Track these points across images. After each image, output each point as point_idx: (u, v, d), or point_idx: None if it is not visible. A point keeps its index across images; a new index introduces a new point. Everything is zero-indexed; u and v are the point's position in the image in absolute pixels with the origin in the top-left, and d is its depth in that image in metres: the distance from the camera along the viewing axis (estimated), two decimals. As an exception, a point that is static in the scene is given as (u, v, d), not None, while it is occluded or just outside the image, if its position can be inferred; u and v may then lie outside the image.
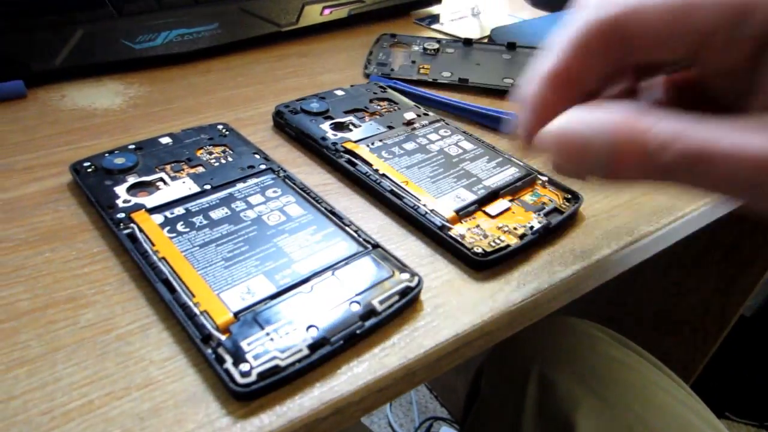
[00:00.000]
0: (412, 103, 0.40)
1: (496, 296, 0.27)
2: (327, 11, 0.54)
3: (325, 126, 0.36)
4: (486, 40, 0.56)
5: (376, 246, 0.27)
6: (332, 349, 0.23)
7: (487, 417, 0.53)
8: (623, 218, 0.32)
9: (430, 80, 0.46)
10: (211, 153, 0.33)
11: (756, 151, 0.16)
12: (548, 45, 0.21)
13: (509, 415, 0.49)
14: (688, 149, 0.17)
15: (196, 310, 0.23)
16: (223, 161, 0.32)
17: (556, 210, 0.31)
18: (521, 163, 0.34)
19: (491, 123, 0.40)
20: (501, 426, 0.50)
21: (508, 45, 0.52)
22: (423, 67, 0.48)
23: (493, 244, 0.28)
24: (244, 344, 0.22)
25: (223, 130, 0.35)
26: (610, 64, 0.20)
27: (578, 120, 0.20)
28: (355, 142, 0.35)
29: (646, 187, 0.34)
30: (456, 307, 0.26)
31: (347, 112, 0.38)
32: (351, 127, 0.37)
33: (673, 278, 0.80)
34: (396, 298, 0.25)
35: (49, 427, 0.20)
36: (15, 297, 0.25)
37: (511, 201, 0.31)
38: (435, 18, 0.62)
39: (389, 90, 0.42)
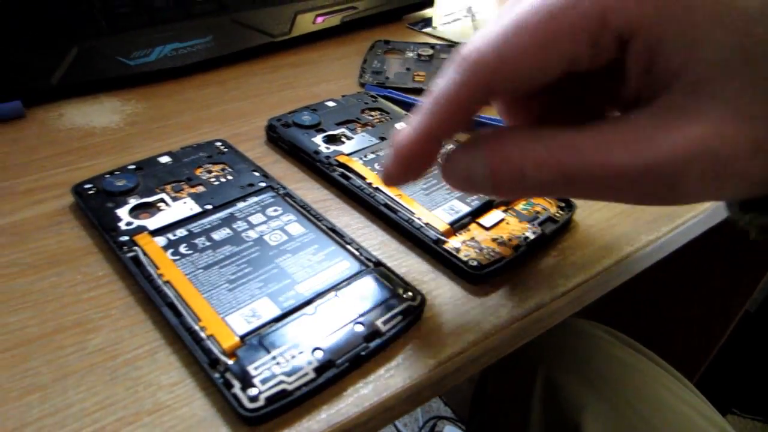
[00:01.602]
0: (404, 113, 0.41)
1: (499, 312, 0.28)
2: (320, 19, 0.55)
3: (318, 139, 0.37)
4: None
5: (378, 264, 0.28)
6: (338, 372, 0.23)
7: (494, 418, 0.53)
8: (623, 227, 0.33)
9: (425, 88, 0.46)
10: (210, 171, 0.33)
11: (617, 164, 0.18)
12: (424, 104, 0.21)
13: (516, 416, 0.49)
14: (553, 169, 0.19)
15: (203, 335, 0.24)
16: (223, 180, 0.33)
17: (550, 219, 0.32)
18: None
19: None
20: (507, 427, 0.51)
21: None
22: (418, 75, 0.48)
23: (489, 256, 0.29)
24: (251, 368, 0.23)
25: (222, 147, 0.36)
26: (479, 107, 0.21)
27: (458, 155, 0.22)
28: (348, 155, 0.35)
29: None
30: (459, 325, 0.27)
31: (339, 124, 0.38)
32: (344, 139, 0.37)
33: (676, 275, 0.81)
34: (399, 318, 0.25)
35: (63, 456, 0.20)
36: (23, 323, 0.25)
37: (504, 211, 0.32)
38: (428, 21, 0.62)
39: (380, 99, 0.42)
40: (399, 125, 0.39)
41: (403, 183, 0.24)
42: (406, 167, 0.23)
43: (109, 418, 0.22)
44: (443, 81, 0.21)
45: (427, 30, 0.60)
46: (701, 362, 0.84)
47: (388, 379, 0.24)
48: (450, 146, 0.22)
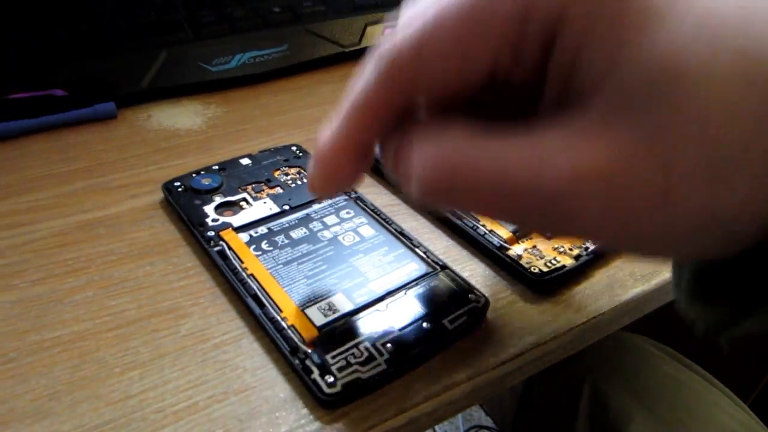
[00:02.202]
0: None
1: (559, 318, 0.29)
2: (388, 31, 0.57)
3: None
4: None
5: (444, 267, 0.30)
6: (407, 365, 0.25)
7: (539, 425, 0.54)
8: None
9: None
10: (287, 174, 0.36)
11: (511, 179, 0.16)
12: (342, 106, 0.20)
13: (561, 425, 0.49)
14: (441, 167, 0.17)
15: (284, 324, 0.26)
16: (299, 182, 0.35)
17: (611, 232, 0.33)
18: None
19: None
20: (552, 435, 0.51)
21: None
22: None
23: (550, 264, 0.30)
24: (329, 357, 0.24)
25: (297, 152, 0.38)
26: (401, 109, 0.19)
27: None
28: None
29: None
30: (519, 328, 0.28)
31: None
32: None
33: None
34: (464, 318, 0.27)
35: (161, 425, 0.23)
36: (123, 306, 0.28)
37: (568, 224, 0.33)
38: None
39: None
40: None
41: (329, 192, 0.23)
42: (328, 177, 0.21)
43: (201, 395, 0.24)
44: (359, 82, 0.19)
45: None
46: (757, 382, 0.82)
47: (453, 375, 0.26)
48: None
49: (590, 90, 0.15)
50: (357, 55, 0.54)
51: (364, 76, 0.19)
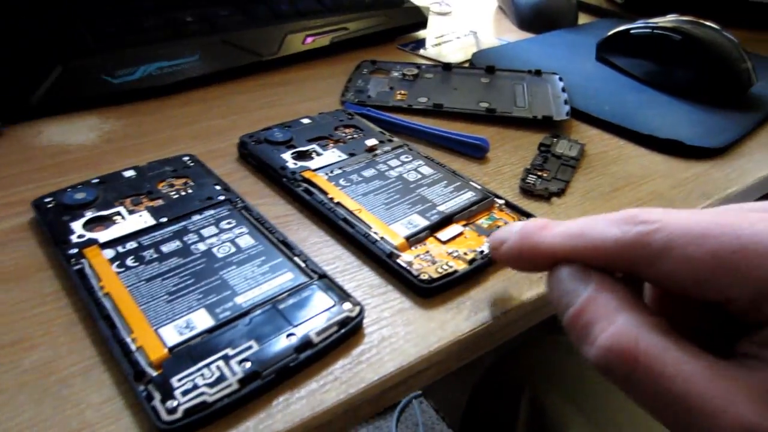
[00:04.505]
0: (378, 130, 0.41)
1: (446, 325, 0.27)
2: (309, 39, 0.55)
3: (287, 155, 0.37)
4: (467, 65, 0.56)
5: (322, 276, 0.28)
6: (263, 383, 0.23)
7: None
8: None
9: (406, 106, 0.46)
10: (172, 185, 0.34)
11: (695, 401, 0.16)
12: (575, 230, 0.22)
13: (502, 436, 0.48)
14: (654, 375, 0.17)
15: (133, 347, 0.23)
16: (183, 193, 0.33)
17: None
18: (479, 187, 0.34)
19: (458, 147, 0.40)
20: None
21: (487, 68, 0.52)
22: (400, 93, 0.48)
23: (441, 270, 0.28)
24: (174, 380, 0.22)
25: (188, 162, 0.36)
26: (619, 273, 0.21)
27: (570, 274, 0.21)
28: (314, 170, 0.35)
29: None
30: (403, 338, 0.26)
31: (311, 141, 0.38)
32: (313, 155, 0.37)
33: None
34: (335, 328, 0.25)
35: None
36: (-40, 342, 0.25)
37: (465, 225, 0.31)
38: (420, 43, 0.63)
39: (356, 117, 0.42)
40: (370, 141, 0.38)
41: (503, 263, 0.26)
42: (516, 262, 0.24)
43: (31, 437, 0.22)
44: (605, 226, 0.20)
45: (421, 52, 0.60)
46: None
47: (323, 394, 0.24)
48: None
49: None
50: (276, 64, 0.53)
51: (612, 223, 0.20)
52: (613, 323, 0.18)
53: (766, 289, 0.16)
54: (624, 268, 0.20)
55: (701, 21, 0.49)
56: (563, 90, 0.48)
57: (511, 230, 0.24)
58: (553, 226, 0.22)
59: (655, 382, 0.17)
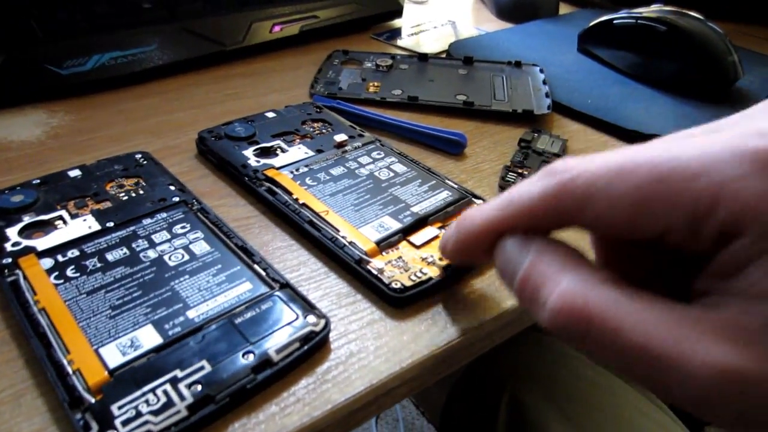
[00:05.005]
0: (348, 124, 0.38)
1: (420, 338, 0.25)
2: (277, 28, 0.52)
3: (249, 152, 0.34)
4: (444, 55, 0.54)
5: (284, 285, 0.25)
6: (216, 409, 0.20)
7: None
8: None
9: (379, 99, 0.44)
10: (122, 186, 0.31)
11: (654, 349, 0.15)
12: (500, 197, 0.21)
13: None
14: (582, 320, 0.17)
15: (69, 369, 0.21)
16: (134, 195, 0.30)
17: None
18: (456, 186, 0.32)
19: (433, 142, 0.38)
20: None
21: (465, 59, 0.50)
22: (373, 85, 0.46)
23: (414, 278, 0.26)
24: (114, 408, 0.20)
25: (141, 160, 0.33)
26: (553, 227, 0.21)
27: (511, 244, 0.21)
28: (278, 168, 0.33)
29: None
30: (373, 353, 0.24)
31: (276, 136, 0.36)
32: (278, 152, 0.34)
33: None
34: (297, 345, 0.23)
35: None
36: None
37: (440, 228, 0.29)
38: (395, 32, 0.60)
39: (326, 110, 0.40)
40: (339, 136, 0.36)
41: (455, 260, 0.25)
42: (462, 251, 0.23)
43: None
44: (528, 186, 0.20)
45: (397, 42, 0.58)
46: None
47: (283, 418, 0.21)
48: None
49: (760, 295, 0.15)
50: (241, 54, 0.50)
51: (534, 182, 0.20)
52: (559, 284, 0.18)
53: (697, 210, 0.16)
54: (558, 222, 0.20)
55: (686, 12, 0.48)
56: (544, 82, 0.46)
57: (451, 227, 0.24)
58: (484, 205, 0.22)
59: (614, 338, 0.16)
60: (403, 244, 0.28)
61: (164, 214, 0.29)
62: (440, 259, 0.27)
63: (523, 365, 0.48)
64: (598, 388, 0.45)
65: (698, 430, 1.05)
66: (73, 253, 0.26)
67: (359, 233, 0.28)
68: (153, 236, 0.27)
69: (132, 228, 0.28)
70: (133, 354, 0.22)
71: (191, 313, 0.23)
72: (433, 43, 0.58)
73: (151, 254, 0.26)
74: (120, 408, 0.20)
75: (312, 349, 0.23)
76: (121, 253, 0.26)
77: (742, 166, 0.15)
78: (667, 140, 0.18)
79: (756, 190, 0.15)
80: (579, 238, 0.22)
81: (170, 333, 0.22)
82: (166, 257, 0.26)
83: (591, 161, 0.18)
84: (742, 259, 0.15)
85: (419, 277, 0.26)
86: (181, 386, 0.21)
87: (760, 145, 0.15)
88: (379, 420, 1.12)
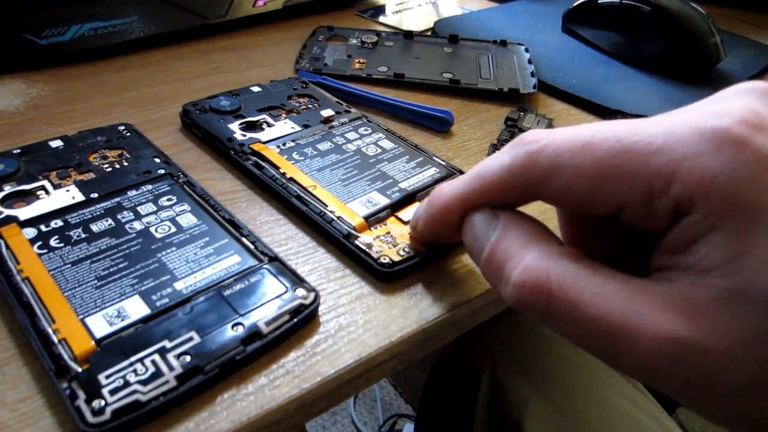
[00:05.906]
0: (335, 100, 0.38)
1: (408, 313, 0.25)
2: (260, 2, 0.51)
3: (235, 126, 0.34)
4: (429, 33, 0.54)
5: (273, 259, 0.25)
6: (205, 379, 0.20)
7: (439, 419, 0.51)
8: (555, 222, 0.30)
9: (365, 75, 0.44)
10: (105, 157, 0.30)
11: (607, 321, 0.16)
12: (468, 173, 0.22)
13: (460, 417, 0.47)
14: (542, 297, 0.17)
15: (55, 338, 0.21)
16: (118, 166, 0.30)
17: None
18: (443, 163, 0.32)
19: (420, 119, 0.38)
20: (451, 429, 0.48)
21: (450, 38, 0.50)
22: (359, 62, 0.45)
23: (402, 253, 0.26)
24: (101, 377, 0.19)
25: (124, 132, 0.33)
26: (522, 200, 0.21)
27: (478, 220, 0.21)
28: (265, 143, 0.32)
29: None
30: (362, 327, 0.24)
31: (261, 110, 0.35)
32: (264, 126, 0.34)
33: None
34: (286, 317, 0.23)
35: None
36: None
37: (428, 204, 0.29)
38: (379, 9, 0.60)
39: (312, 86, 0.39)
40: (326, 112, 0.36)
41: (427, 238, 0.25)
42: (432, 230, 0.24)
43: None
44: (496, 158, 0.20)
45: (380, 18, 0.57)
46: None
47: (273, 390, 0.21)
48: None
49: (708, 269, 0.16)
50: (224, 28, 0.49)
51: (501, 156, 0.20)
52: (522, 259, 0.18)
53: (653, 186, 0.16)
54: (523, 194, 0.20)
55: (670, -7, 0.48)
56: (530, 62, 0.46)
57: (421, 205, 0.24)
58: (453, 181, 0.22)
59: (573, 310, 0.17)
60: (392, 219, 0.28)
61: (150, 186, 0.28)
62: (428, 235, 0.27)
63: (502, 346, 0.49)
64: (576, 367, 0.46)
65: (671, 407, 1.08)
66: (56, 223, 0.26)
67: (347, 208, 0.28)
68: (138, 208, 0.27)
69: (117, 199, 0.27)
70: (120, 324, 0.21)
71: (179, 285, 0.23)
72: (417, 20, 0.58)
73: (137, 226, 0.26)
74: (107, 377, 0.20)
75: (301, 321, 0.23)
76: (106, 224, 0.26)
77: (700, 144, 0.16)
78: (638, 119, 0.18)
79: (709, 166, 0.15)
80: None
81: (158, 304, 0.22)
82: (152, 229, 0.26)
83: (560, 134, 0.18)
84: (692, 235, 0.16)
85: (407, 252, 0.26)
86: (170, 356, 0.20)
87: (717, 124, 0.16)
88: (357, 400, 1.13)
